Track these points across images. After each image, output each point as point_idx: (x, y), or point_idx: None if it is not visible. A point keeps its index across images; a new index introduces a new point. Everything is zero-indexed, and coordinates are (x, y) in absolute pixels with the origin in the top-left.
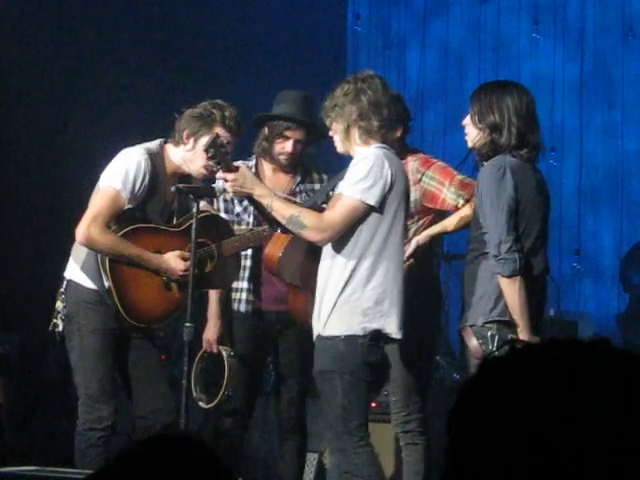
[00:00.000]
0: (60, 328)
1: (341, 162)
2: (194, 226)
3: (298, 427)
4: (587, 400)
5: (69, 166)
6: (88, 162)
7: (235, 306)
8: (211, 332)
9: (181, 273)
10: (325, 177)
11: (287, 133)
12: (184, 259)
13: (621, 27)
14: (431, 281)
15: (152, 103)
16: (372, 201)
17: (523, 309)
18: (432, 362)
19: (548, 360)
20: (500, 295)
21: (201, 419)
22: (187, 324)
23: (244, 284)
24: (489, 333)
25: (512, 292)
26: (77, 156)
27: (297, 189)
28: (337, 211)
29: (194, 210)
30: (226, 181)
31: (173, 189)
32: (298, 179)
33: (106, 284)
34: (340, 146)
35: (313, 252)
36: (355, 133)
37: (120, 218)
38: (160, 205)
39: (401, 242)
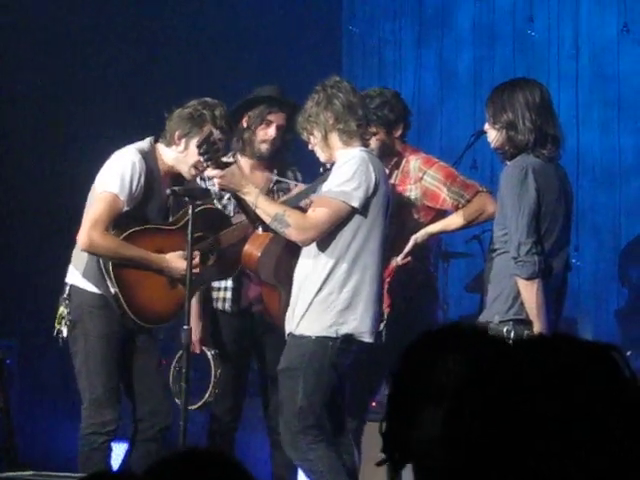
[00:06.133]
0: (64, 334)
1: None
2: (190, 228)
3: None
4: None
5: (66, 171)
6: (85, 166)
7: (220, 305)
8: (193, 333)
9: (184, 273)
10: (299, 176)
11: (270, 117)
12: (186, 258)
13: (615, 23)
14: (428, 279)
15: (149, 101)
16: (356, 203)
17: (540, 310)
18: None
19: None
20: (517, 294)
21: (200, 420)
22: (185, 327)
23: (228, 283)
24: (505, 329)
25: (530, 294)
26: (74, 160)
27: (274, 187)
28: (321, 212)
29: (189, 212)
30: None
31: (168, 192)
32: (274, 178)
33: (112, 290)
34: (322, 156)
35: (292, 252)
36: (334, 137)
37: (119, 221)
38: (157, 204)
39: (380, 246)
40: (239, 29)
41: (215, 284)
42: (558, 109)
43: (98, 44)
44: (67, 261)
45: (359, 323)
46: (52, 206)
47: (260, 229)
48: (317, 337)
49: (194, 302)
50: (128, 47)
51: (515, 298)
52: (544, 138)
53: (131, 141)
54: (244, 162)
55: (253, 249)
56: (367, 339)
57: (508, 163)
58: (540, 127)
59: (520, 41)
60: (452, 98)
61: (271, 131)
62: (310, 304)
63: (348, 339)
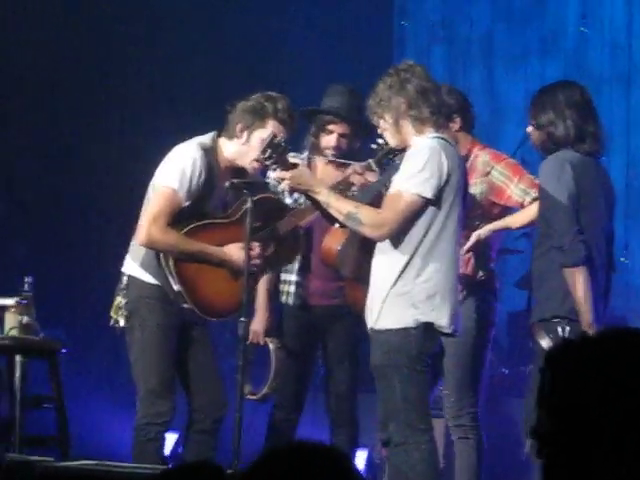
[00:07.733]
0: (121, 324)
1: None
2: (248, 221)
3: (349, 421)
4: None
5: (114, 164)
6: (132, 159)
7: (284, 299)
8: (259, 324)
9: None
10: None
11: (330, 127)
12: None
13: None
14: (487, 277)
15: (201, 97)
16: (429, 194)
17: (587, 301)
18: (485, 357)
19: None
20: (568, 291)
21: (248, 413)
22: (242, 319)
23: (293, 277)
24: (559, 328)
25: (576, 283)
26: (121, 154)
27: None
28: (394, 207)
29: (248, 205)
30: (282, 179)
31: (227, 184)
32: (349, 172)
33: (175, 288)
34: (392, 141)
35: (371, 245)
36: (407, 124)
37: (179, 216)
38: (216, 199)
39: (455, 235)
40: (291, 24)
41: (281, 277)
42: (609, 108)
43: (137, 38)
44: (114, 251)
45: (437, 314)
46: (98, 199)
47: (337, 224)
48: (398, 329)
49: (263, 294)
50: (182, 36)
51: (566, 295)
52: (583, 134)
53: (190, 136)
54: (318, 158)
55: (332, 244)
56: (446, 330)
57: (546, 157)
58: (580, 125)
59: (572, 40)
60: (503, 94)
61: (332, 140)
62: (386, 297)
63: (429, 327)
